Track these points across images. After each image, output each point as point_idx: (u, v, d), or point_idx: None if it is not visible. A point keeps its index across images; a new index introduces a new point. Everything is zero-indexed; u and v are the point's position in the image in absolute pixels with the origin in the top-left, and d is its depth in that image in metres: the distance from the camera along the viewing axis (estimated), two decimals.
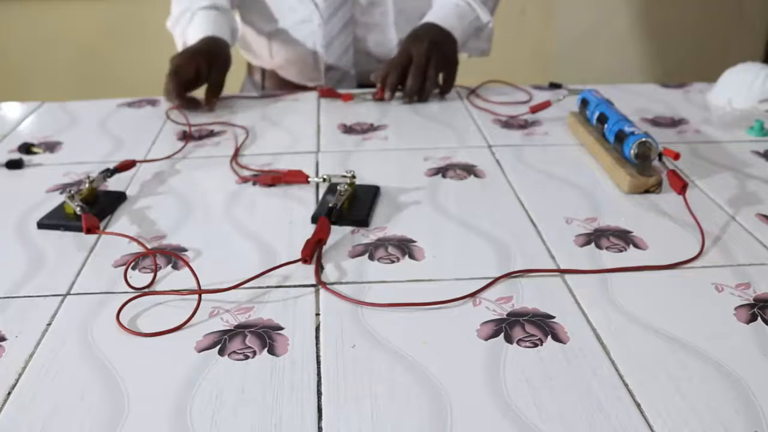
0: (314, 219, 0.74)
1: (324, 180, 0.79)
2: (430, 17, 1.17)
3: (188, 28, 1.17)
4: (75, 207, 0.73)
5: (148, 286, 0.62)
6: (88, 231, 0.70)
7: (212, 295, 0.61)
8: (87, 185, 0.77)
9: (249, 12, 1.32)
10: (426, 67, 1.09)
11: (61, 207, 0.75)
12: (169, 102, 1.08)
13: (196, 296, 0.60)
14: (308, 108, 1.10)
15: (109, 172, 0.82)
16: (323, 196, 0.78)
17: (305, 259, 0.64)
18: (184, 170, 0.88)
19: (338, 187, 0.75)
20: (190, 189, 0.82)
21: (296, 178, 0.81)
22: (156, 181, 0.85)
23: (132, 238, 0.69)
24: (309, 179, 0.81)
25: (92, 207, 0.75)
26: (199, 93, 1.10)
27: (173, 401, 0.49)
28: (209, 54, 1.09)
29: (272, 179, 0.82)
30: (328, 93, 1.14)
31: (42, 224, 0.73)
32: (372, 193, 0.78)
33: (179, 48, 1.20)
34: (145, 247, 0.68)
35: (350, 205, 0.75)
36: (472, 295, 0.61)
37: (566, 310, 0.59)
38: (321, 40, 1.25)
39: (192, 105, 1.07)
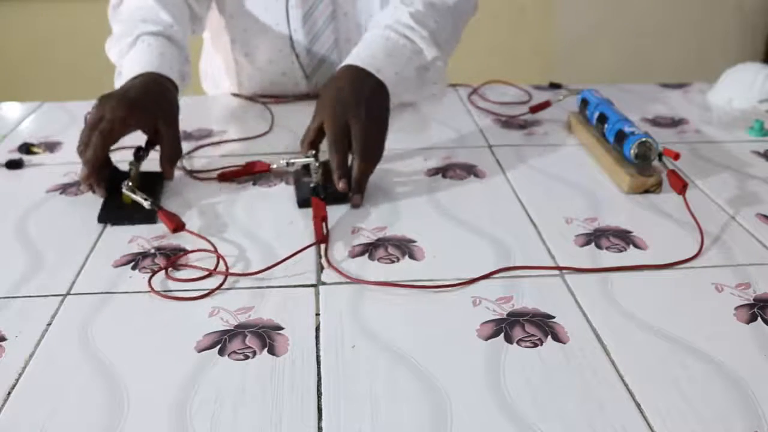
0: (300, 204, 0.76)
1: (288, 164, 0.79)
2: (350, 57, 0.86)
3: (126, 57, 0.88)
4: (144, 202, 0.72)
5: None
6: (175, 230, 0.70)
7: (213, 296, 0.61)
8: (134, 170, 0.76)
9: (219, 35, 1.13)
10: (344, 145, 0.77)
11: (113, 199, 0.75)
12: (84, 167, 0.75)
13: (220, 277, 0.61)
14: (309, 108, 1.10)
15: (143, 151, 0.80)
16: (296, 182, 0.80)
17: (321, 240, 0.68)
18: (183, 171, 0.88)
19: (311, 166, 0.77)
20: (189, 190, 0.82)
21: (258, 168, 0.83)
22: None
23: (206, 239, 0.69)
24: (271, 167, 0.83)
25: (145, 191, 0.74)
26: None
27: (173, 401, 0.49)
28: (155, 104, 0.79)
29: (233, 173, 0.83)
30: None
31: (104, 219, 0.73)
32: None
33: (116, 82, 0.89)
34: (214, 248, 0.68)
35: (326, 183, 0.77)
36: (469, 282, 0.61)
37: (566, 310, 0.59)
38: (303, 41, 1.07)
39: (103, 192, 0.76)
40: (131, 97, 0.78)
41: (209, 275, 0.64)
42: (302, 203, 0.76)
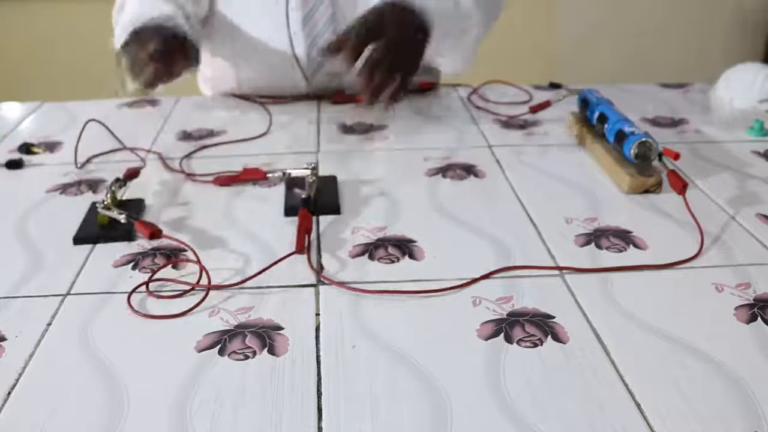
0: (287, 212, 0.75)
1: (284, 175, 0.80)
2: None
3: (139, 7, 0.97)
4: (119, 217, 0.70)
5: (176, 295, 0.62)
6: (152, 236, 0.69)
7: (212, 295, 0.61)
8: (109, 195, 0.74)
9: (216, 35, 1.15)
10: (378, 67, 0.84)
11: (91, 219, 0.73)
12: (139, 89, 0.87)
13: (201, 291, 0.61)
14: (308, 108, 1.10)
15: (122, 182, 0.78)
16: (287, 191, 0.79)
17: (300, 251, 0.66)
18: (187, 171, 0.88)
19: (306, 179, 0.76)
20: (187, 191, 0.82)
21: (254, 175, 0.83)
22: (156, 185, 0.85)
23: (187, 246, 0.68)
24: (268, 175, 0.82)
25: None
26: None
27: (173, 401, 0.49)
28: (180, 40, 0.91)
29: (229, 179, 0.83)
30: (342, 99, 1.10)
31: (80, 239, 0.71)
32: (334, 183, 0.81)
33: (115, 17, 0.99)
34: (196, 255, 0.67)
35: (318, 196, 0.76)
36: (469, 282, 0.61)
37: (566, 310, 0.59)
38: (302, 43, 1.08)
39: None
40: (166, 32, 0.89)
41: (192, 289, 0.62)
42: (288, 211, 0.75)
